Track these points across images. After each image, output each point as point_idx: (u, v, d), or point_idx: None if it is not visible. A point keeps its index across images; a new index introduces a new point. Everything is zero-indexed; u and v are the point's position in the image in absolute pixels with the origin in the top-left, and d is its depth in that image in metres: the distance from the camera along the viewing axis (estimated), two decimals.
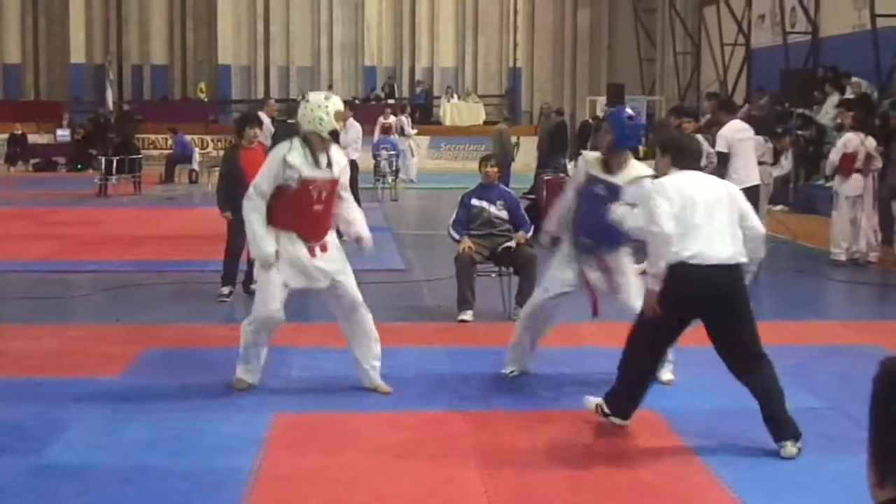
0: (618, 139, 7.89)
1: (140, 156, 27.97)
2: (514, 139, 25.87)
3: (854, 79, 23.34)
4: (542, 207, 17.25)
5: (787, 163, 22.87)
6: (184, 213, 21.16)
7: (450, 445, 6.74)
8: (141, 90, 41.30)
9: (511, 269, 10.80)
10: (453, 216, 10.99)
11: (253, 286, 11.55)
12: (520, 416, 7.36)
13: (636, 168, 7.93)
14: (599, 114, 30.61)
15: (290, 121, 16.53)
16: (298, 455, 6.42)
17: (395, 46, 42.08)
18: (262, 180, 7.60)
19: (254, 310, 7.83)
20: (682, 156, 6.93)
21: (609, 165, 7.88)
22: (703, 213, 6.54)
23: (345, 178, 7.92)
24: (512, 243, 10.68)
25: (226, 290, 11.59)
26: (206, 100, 40.00)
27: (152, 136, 35.41)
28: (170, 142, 32.27)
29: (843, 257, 14.80)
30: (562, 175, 18.44)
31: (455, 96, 39.44)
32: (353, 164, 17.08)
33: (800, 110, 23.95)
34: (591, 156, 8.18)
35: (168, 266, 13.85)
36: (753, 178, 13.40)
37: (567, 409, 7.50)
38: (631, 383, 6.91)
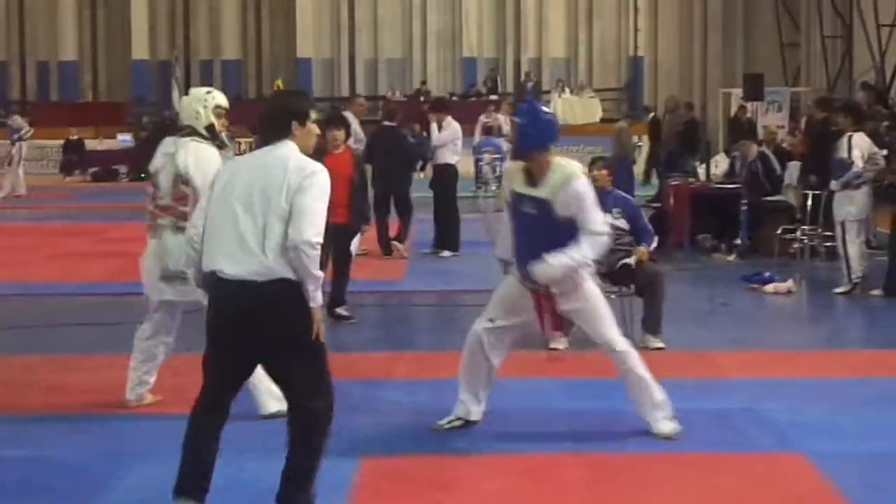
0: (519, 141, 7.40)
1: None
2: (635, 139, 25.76)
3: None
4: (670, 217, 17.13)
5: None
6: None
7: (562, 495, 6.70)
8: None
9: (632, 289, 10.70)
10: None
11: (339, 309, 11.70)
12: (643, 459, 7.28)
13: (560, 169, 7.35)
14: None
15: (387, 123, 16.65)
16: None
17: (498, 35, 42.13)
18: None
19: None
20: (266, 124, 6.13)
21: (531, 175, 7.35)
22: (239, 210, 5.82)
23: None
24: (631, 260, 10.57)
25: None
26: None
27: None
28: (243, 146, 32.62)
29: None
30: (692, 180, 18.29)
31: (567, 91, 39.33)
32: (452, 170, 17.18)
33: None
34: (513, 166, 7.61)
35: None
36: None
37: (702, 452, 7.41)
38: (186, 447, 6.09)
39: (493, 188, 24.75)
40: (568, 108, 38.41)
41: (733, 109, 32.14)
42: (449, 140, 17.05)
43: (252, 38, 42.29)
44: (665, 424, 7.60)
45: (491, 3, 41.98)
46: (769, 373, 9.65)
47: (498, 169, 25.24)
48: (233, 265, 5.79)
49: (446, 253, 16.68)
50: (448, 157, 17.07)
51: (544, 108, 7.73)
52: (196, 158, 7.97)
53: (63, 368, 9.80)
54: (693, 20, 41.70)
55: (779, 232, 15.67)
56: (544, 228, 7.25)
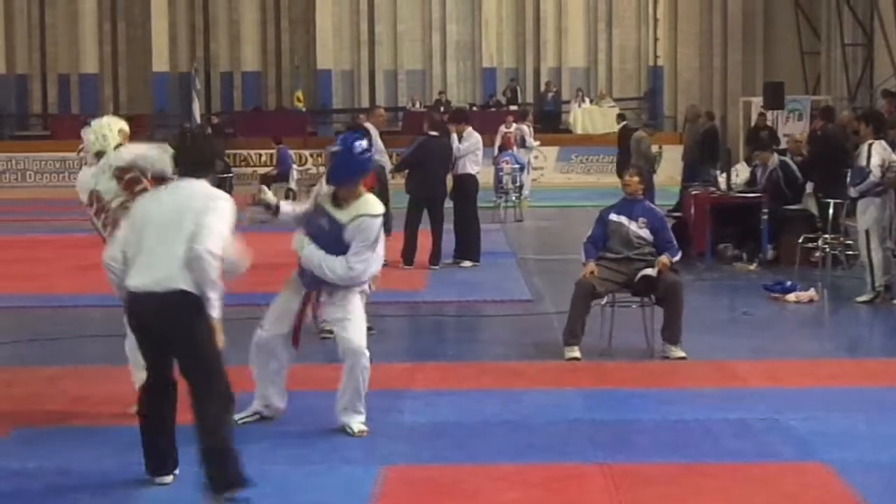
0: (332, 169, 8.29)
1: (231, 174, 28.38)
2: (655, 148, 25.69)
3: None
4: (691, 227, 17.09)
5: None
6: (279, 238, 21.36)
7: None
8: (231, 100, 42.04)
9: (653, 299, 10.68)
10: (588, 233, 10.95)
11: None
12: (665, 469, 7.28)
13: (364, 203, 8.11)
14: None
15: (434, 133, 16.61)
16: None
17: (518, 45, 42.15)
18: None
19: None
20: (183, 160, 7.00)
21: (338, 199, 8.16)
22: (153, 234, 6.67)
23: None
24: (652, 271, 10.52)
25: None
26: (304, 109, 40.51)
27: (244, 152, 35.91)
28: (264, 157, 32.67)
29: None
30: (712, 189, 18.24)
31: (587, 100, 39.32)
32: (473, 180, 17.20)
33: None
34: (327, 188, 8.35)
35: (258, 298, 14.00)
36: None
37: (724, 462, 7.40)
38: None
39: (514, 198, 24.77)
40: (587, 117, 38.42)
41: (754, 118, 32.08)
42: (470, 150, 17.10)
43: (272, 49, 42.35)
44: (356, 424, 8.00)
45: (510, 12, 42.00)
46: (791, 382, 9.63)
47: (518, 179, 25.25)
48: (139, 278, 6.60)
49: (467, 263, 16.68)
50: (469, 167, 17.11)
51: (361, 144, 8.25)
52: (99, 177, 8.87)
53: (86, 380, 9.83)
54: (713, 29, 41.58)
55: (800, 241, 15.63)
56: (329, 243, 8.06)
